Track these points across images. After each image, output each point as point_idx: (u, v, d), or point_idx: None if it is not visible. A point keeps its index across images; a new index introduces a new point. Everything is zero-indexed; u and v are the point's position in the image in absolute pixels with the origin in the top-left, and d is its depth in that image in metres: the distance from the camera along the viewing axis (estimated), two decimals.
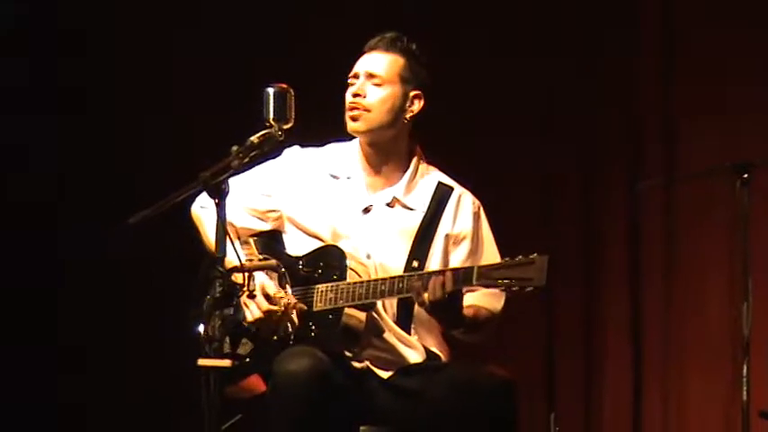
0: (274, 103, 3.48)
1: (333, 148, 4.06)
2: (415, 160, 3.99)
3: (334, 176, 3.99)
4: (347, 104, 3.93)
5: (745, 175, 4.48)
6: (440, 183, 3.99)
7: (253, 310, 3.73)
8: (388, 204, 3.95)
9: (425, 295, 3.59)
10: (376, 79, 3.92)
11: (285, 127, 3.47)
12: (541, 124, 5.80)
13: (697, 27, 5.57)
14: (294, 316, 3.76)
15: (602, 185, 5.73)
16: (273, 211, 3.99)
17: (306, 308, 3.77)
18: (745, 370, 4.45)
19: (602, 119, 5.75)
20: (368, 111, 3.91)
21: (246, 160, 3.40)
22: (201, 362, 3.26)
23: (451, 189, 3.98)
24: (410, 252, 3.87)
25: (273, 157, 3.93)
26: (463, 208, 3.97)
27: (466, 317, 3.73)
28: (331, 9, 5.85)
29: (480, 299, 3.84)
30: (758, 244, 4.75)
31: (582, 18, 5.76)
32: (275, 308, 3.73)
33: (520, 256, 3.53)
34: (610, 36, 5.72)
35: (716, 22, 5.53)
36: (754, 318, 4.46)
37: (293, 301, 3.77)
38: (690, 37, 5.59)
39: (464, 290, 3.69)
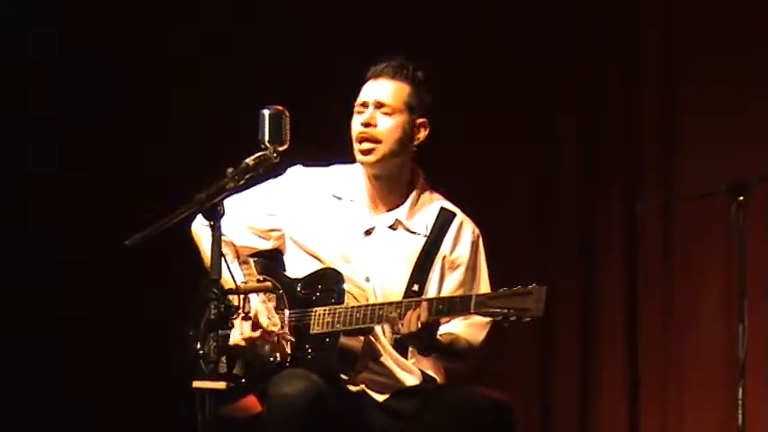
0: (270, 125, 3.46)
1: (337, 169, 4.04)
2: (418, 184, 3.98)
3: (337, 197, 3.97)
4: (357, 135, 3.90)
5: (741, 198, 4.45)
6: (442, 208, 3.97)
7: (234, 336, 3.67)
8: (390, 227, 3.93)
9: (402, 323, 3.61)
10: (385, 108, 3.89)
11: (280, 149, 3.46)
12: (541, 138, 5.80)
13: (701, 40, 5.56)
14: (287, 346, 3.76)
15: (601, 200, 5.72)
16: (275, 230, 3.98)
17: (294, 340, 3.76)
18: (740, 392, 4.43)
19: (601, 132, 5.74)
20: (379, 142, 3.88)
21: (242, 182, 3.39)
22: (197, 383, 3.25)
23: (454, 215, 3.97)
24: (411, 276, 3.86)
25: (275, 176, 3.91)
26: (464, 235, 3.95)
27: (441, 343, 3.74)
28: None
29: (462, 329, 3.85)
30: (754, 264, 4.74)
31: (581, 44, 5.77)
32: (256, 335, 3.71)
33: (518, 286, 3.52)
34: (609, 49, 5.72)
35: (719, 36, 5.52)
36: (750, 340, 4.45)
37: (282, 331, 3.76)
38: (692, 51, 5.58)
39: (444, 319, 3.71)
